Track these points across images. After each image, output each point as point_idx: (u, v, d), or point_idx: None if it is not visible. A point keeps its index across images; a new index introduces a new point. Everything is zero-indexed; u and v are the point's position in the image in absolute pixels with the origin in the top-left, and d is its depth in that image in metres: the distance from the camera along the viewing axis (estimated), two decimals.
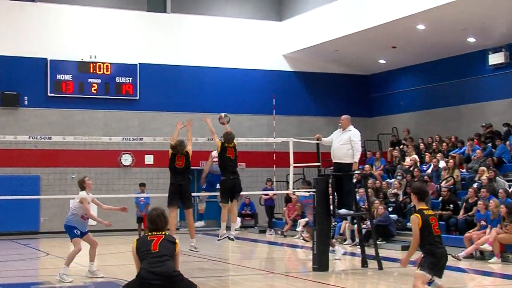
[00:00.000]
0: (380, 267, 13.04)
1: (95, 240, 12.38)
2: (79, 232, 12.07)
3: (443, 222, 16.90)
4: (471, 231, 15.40)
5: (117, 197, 19.72)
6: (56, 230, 22.27)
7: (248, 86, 26.23)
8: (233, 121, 25.67)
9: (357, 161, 13.25)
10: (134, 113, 24.64)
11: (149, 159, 24.47)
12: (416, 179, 19.56)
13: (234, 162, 12.59)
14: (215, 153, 13.74)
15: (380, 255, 13.38)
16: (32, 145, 22.35)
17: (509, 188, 16.69)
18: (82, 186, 12.35)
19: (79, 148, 22.58)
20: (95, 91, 24.00)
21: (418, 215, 7.78)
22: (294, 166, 13.63)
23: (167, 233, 6.69)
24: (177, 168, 12.32)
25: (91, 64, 24.01)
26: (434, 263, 7.82)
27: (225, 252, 17.55)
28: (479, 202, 15.67)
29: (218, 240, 12.90)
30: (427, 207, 8.04)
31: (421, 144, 22.93)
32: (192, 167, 12.83)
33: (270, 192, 22.48)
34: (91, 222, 12.48)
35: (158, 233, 6.65)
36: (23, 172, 22.73)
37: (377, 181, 20.86)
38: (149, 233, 6.69)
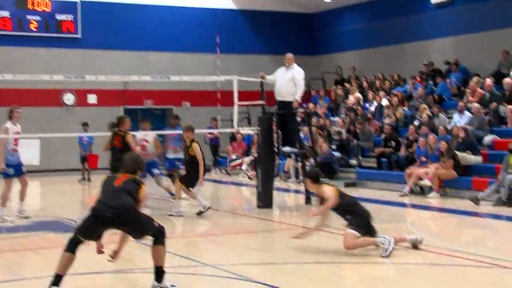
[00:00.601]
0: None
1: (27, 181, 12.19)
2: (12, 171, 11.83)
3: (385, 159, 17.26)
4: (411, 167, 15.78)
5: (60, 137, 19.47)
6: None
7: (191, 24, 25.85)
8: (177, 60, 25.57)
9: (299, 99, 13.35)
10: (76, 51, 24.06)
11: (92, 98, 24.11)
12: (359, 117, 19.81)
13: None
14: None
15: None
16: None
17: (449, 125, 17.09)
18: (10, 115, 12.04)
19: (19, 87, 22.01)
20: (34, 29, 23.28)
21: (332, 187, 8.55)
22: (239, 105, 13.62)
23: (137, 177, 6.67)
24: None
25: (29, 0, 23.22)
26: (360, 221, 8.44)
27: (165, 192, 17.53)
28: (420, 139, 16.03)
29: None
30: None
31: (365, 82, 23.14)
32: None
33: (215, 131, 22.48)
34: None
35: (127, 174, 6.66)
36: None
37: (321, 119, 21.05)
38: (121, 173, 6.71)
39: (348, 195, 8.74)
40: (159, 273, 6.48)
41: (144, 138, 13.95)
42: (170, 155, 14.97)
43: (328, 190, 8.47)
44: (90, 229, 6.42)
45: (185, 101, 25.81)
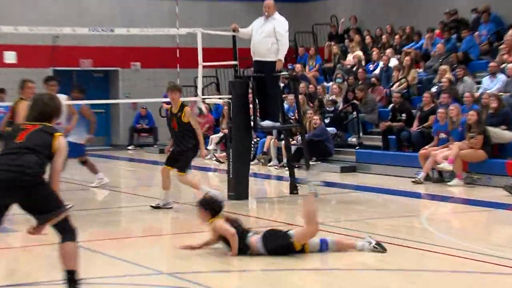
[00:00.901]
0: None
1: None
2: None
3: (393, 136, 17.31)
4: (427, 146, 15.83)
5: None
6: None
7: None
8: (124, 7, 25.38)
9: (282, 58, 13.30)
10: None
11: (10, 57, 23.87)
12: (360, 83, 19.83)
13: None
14: None
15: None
16: None
17: (477, 91, 17.15)
18: None
19: None
20: None
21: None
22: (204, 66, 13.55)
23: (50, 125, 6.40)
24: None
25: None
26: None
27: (116, 178, 17.52)
28: (438, 110, 16.05)
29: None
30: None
31: (367, 37, 23.14)
32: None
33: None
34: None
35: (35, 123, 6.36)
36: None
37: (311, 85, 21.03)
38: (26, 122, 6.42)
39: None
40: (73, 281, 6.33)
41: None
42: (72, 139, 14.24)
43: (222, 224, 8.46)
44: None
45: (134, 62, 25.67)
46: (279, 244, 8.32)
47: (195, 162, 20.86)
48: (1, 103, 19.09)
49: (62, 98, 13.47)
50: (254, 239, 8.40)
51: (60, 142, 6.29)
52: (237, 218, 8.81)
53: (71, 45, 24.14)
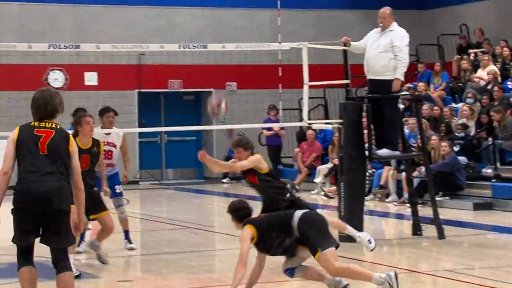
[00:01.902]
0: (441, 235, 13.13)
1: None
2: None
3: None
4: None
5: None
6: None
7: None
8: (217, 20, 25.70)
9: (402, 76, 13.21)
10: (67, 7, 24.46)
11: (90, 78, 24.44)
12: (496, 103, 19.56)
13: None
14: None
15: (441, 217, 13.47)
16: None
17: None
18: None
19: None
20: None
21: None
22: (310, 86, 13.60)
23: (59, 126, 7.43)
24: None
25: None
26: None
27: (209, 216, 17.70)
28: None
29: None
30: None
31: (505, 48, 22.82)
32: None
33: (275, 125, 22.47)
34: None
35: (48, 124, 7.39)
36: None
37: (436, 107, 20.85)
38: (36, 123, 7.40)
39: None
40: None
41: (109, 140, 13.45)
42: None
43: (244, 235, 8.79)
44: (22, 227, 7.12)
45: (230, 82, 25.93)
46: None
47: (302, 195, 20.97)
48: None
49: (118, 132, 13.55)
50: None
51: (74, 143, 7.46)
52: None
53: (159, 64, 24.54)
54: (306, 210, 8.91)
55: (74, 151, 7.44)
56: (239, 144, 9.55)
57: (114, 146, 12.72)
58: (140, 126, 24.12)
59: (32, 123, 7.43)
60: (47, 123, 7.41)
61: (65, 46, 15.37)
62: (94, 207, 11.03)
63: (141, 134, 24.65)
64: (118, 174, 12.82)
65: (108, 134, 12.77)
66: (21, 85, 23.21)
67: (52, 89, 7.83)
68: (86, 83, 24.45)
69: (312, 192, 21.32)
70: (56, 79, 24.30)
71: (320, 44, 14.71)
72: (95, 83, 24.42)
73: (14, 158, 7.31)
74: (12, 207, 7.25)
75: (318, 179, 21.23)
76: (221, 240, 14.65)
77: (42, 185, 7.15)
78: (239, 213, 8.94)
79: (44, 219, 7.21)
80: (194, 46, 16.70)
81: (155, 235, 12.48)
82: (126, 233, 12.58)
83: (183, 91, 25.57)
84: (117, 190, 12.58)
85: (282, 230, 8.70)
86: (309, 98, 14.12)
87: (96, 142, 11.24)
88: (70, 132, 8.88)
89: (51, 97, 7.48)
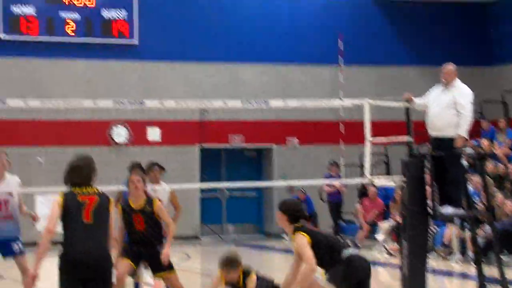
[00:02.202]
0: None
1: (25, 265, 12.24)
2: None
3: None
4: None
5: (107, 190, 19.83)
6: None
7: (301, 24, 26.14)
8: (279, 76, 25.76)
9: (465, 134, 13.09)
10: (132, 65, 24.75)
11: (153, 133, 24.59)
12: None
13: None
14: None
15: (507, 277, 13.22)
16: None
17: None
18: None
19: (50, 118, 22.72)
20: (71, 32, 24.09)
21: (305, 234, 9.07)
22: (372, 143, 13.51)
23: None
24: None
25: None
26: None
27: (270, 274, 17.52)
28: None
29: None
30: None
31: None
32: None
33: (336, 182, 22.40)
34: None
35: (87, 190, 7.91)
36: None
37: (501, 165, 20.65)
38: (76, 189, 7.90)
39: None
40: None
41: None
42: None
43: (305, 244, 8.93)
44: None
45: (292, 137, 25.92)
46: None
47: (363, 253, 20.79)
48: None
49: (165, 188, 13.46)
50: None
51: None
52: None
53: (221, 120, 24.65)
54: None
55: (111, 213, 7.96)
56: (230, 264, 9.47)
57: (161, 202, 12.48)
58: (201, 181, 24.20)
59: (74, 190, 7.89)
60: (88, 189, 7.92)
61: (129, 102, 15.48)
62: (157, 265, 10.99)
63: (202, 190, 24.70)
64: None
65: (155, 189, 12.66)
66: (86, 140, 23.45)
67: (88, 155, 8.26)
68: (149, 138, 24.61)
69: (374, 249, 21.13)
70: (120, 134, 24.51)
71: (381, 101, 14.62)
72: (158, 138, 24.56)
73: (58, 219, 7.75)
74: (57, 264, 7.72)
75: (380, 236, 21.06)
76: None
77: (87, 252, 7.59)
78: (291, 214, 9.07)
79: (88, 285, 7.65)
80: (256, 102, 16.74)
81: None
82: None
83: (244, 146, 25.60)
84: None
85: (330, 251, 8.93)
86: (371, 154, 14.03)
87: (149, 201, 11.12)
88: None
89: (88, 163, 8.04)
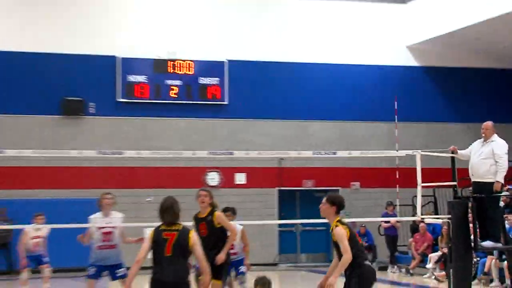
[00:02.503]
0: None
1: None
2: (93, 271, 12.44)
3: None
4: None
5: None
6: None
7: (363, 87, 26.06)
8: (344, 131, 25.76)
9: (502, 180, 12.96)
10: (222, 122, 24.93)
11: (240, 178, 24.69)
12: None
13: None
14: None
15: None
16: (99, 163, 22.84)
17: None
18: (99, 204, 12.56)
19: (156, 165, 23.03)
20: (174, 95, 24.41)
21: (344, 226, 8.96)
22: (423, 187, 13.41)
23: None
24: None
25: (170, 63, 24.46)
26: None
27: None
28: None
29: None
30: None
31: None
32: None
33: (392, 219, 22.20)
34: None
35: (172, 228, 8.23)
36: (89, 194, 23.24)
37: None
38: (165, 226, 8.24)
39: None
40: None
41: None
42: None
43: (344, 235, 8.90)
44: None
45: (354, 182, 25.82)
46: None
47: (414, 279, 20.57)
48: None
49: (239, 228, 13.43)
50: None
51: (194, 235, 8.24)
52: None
53: (295, 167, 24.70)
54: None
55: (194, 243, 8.20)
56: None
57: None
58: (280, 218, 24.21)
59: (162, 227, 8.22)
60: (173, 226, 8.19)
61: (221, 153, 15.67)
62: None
63: (280, 225, 24.70)
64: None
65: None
66: (186, 184, 23.61)
67: (173, 197, 8.44)
68: (237, 182, 24.72)
69: (424, 276, 20.87)
70: (213, 179, 24.67)
71: (431, 152, 14.54)
72: (243, 182, 24.66)
73: (148, 251, 8.17)
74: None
75: (429, 265, 20.78)
76: None
77: (170, 275, 7.99)
78: (340, 205, 9.09)
79: None
80: (326, 152, 16.76)
81: None
82: None
83: (315, 189, 25.55)
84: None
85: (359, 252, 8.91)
86: (422, 196, 13.93)
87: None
88: None
89: (175, 204, 8.29)
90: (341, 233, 8.76)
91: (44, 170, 22.78)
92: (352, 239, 8.86)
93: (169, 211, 8.20)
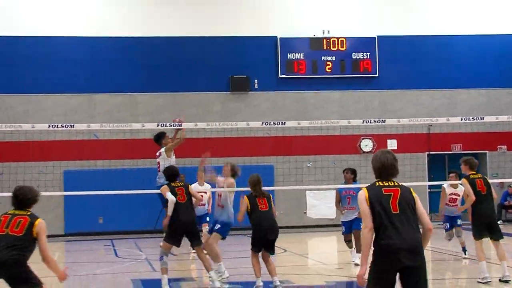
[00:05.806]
0: None
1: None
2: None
3: None
4: None
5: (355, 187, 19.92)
6: (292, 224, 23.05)
7: (509, 54, 25.15)
8: (491, 97, 24.88)
9: None
10: (374, 93, 24.73)
11: (391, 144, 24.40)
12: None
13: None
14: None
15: None
16: (265, 132, 23.28)
17: None
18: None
19: (314, 134, 23.13)
20: (329, 70, 24.42)
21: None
22: None
23: None
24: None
25: (325, 40, 24.45)
26: None
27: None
28: None
29: None
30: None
31: None
32: None
33: None
34: None
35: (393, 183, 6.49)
36: (257, 161, 23.66)
37: None
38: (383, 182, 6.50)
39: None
40: None
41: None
42: None
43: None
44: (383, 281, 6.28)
45: (501, 145, 25.01)
46: None
47: None
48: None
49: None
50: None
51: None
52: None
53: (444, 132, 24.14)
54: None
55: (419, 206, 6.44)
56: None
57: None
58: (429, 180, 23.77)
59: (378, 183, 6.47)
60: (391, 182, 6.46)
61: (374, 121, 15.51)
62: None
63: (430, 186, 24.25)
64: None
65: None
66: (342, 150, 23.73)
67: (390, 151, 6.66)
68: (389, 148, 24.43)
69: None
70: (367, 145, 24.54)
71: None
72: (395, 147, 24.35)
73: (371, 215, 6.32)
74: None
75: None
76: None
77: (404, 242, 6.20)
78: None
79: (403, 275, 6.27)
80: (473, 118, 16.28)
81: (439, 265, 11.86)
82: None
83: (462, 152, 24.89)
84: None
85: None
86: None
87: None
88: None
89: (394, 158, 6.56)
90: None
91: (215, 140, 23.36)
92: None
93: (387, 163, 6.46)
